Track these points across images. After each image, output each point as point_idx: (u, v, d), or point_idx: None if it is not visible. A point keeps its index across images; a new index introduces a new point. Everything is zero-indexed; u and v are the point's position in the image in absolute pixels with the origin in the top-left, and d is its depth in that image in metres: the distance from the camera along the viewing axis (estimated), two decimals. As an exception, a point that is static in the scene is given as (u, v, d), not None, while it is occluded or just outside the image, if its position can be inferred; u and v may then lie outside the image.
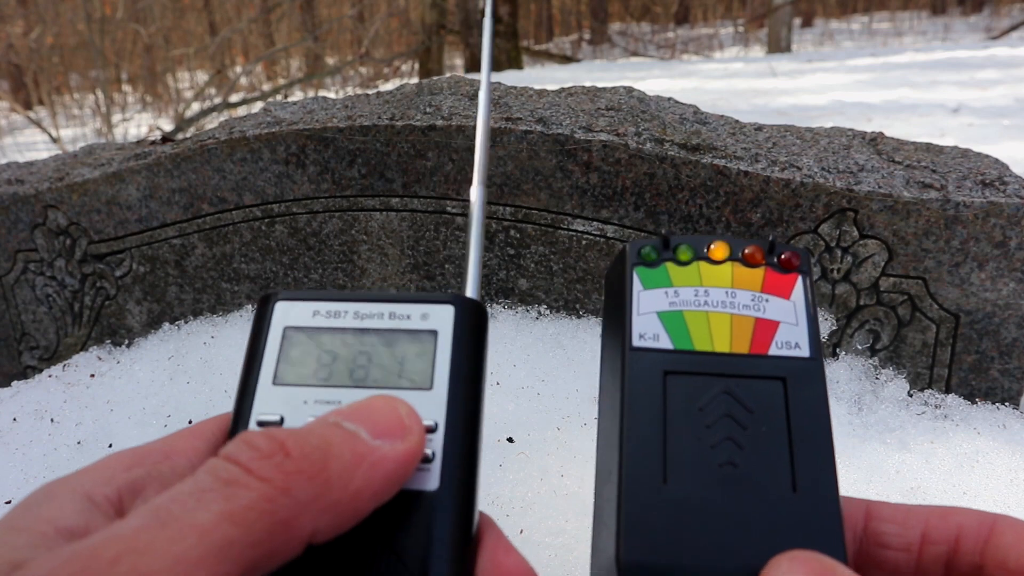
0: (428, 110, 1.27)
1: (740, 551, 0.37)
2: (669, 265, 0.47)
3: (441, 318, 0.40)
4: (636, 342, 0.43)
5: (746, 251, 0.47)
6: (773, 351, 0.44)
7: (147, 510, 0.27)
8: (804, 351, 0.44)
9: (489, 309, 1.31)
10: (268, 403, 0.37)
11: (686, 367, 0.43)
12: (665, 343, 0.44)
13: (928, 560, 0.35)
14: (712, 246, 0.47)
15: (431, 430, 0.36)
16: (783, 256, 0.47)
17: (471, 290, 0.45)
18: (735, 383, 0.42)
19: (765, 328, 0.45)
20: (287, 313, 0.40)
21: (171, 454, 0.35)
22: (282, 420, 0.37)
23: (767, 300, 0.46)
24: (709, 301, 0.46)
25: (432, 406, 0.37)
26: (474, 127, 0.47)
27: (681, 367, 0.43)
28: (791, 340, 0.44)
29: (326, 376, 0.38)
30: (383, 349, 0.39)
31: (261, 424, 0.37)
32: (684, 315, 0.45)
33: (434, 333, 0.39)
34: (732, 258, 0.47)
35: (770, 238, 0.46)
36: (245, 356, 0.40)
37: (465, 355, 0.39)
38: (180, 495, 0.27)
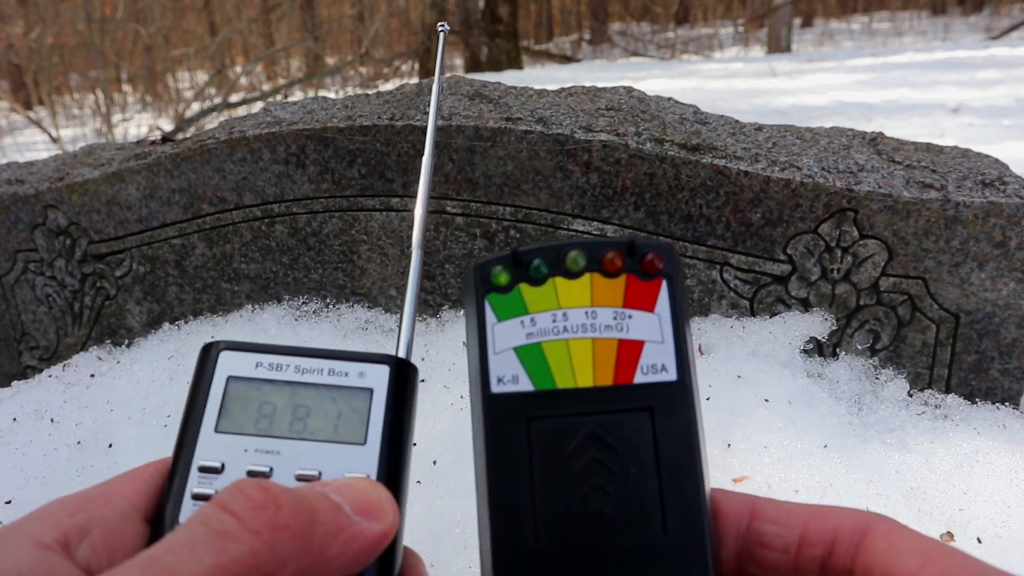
0: (428, 110, 1.27)
1: None
2: (523, 287, 0.43)
3: (377, 377, 0.41)
4: (495, 387, 0.41)
5: (605, 257, 0.43)
6: (639, 378, 0.42)
7: (142, 560, 0.28)
8: (671, 374, 0.42)
9: (489, 309, 1.31)
10: (210, 449, 0.39)
11: (549, 410, 0.41)
12: (525, 384, 0.41)
13: (804, 561, 0.35)
14: (567, 256, 0.43)
15: None
16: (645, 258, 0.43)
17: (403, 350, 0.46)
18: (600, 421, 0.41)
19: (629, 351, 0.42)
20: (230, 363, 0.41)
21: (112, 497, 0.37)
22: (223, 467, 0.38)
23: (630, 316, 0.43)
24: (568, 326, 0.43)
25: (364, 460, 0.39)
26: (421, 180, 0.51)
27: (544, 411, 0.41)
28: (657, 362, 0.42)
29: (266, 427, 0.40)
30: (321, 404, 0.40)
31: (203, 470, 0.38)
32: (543, 347, 0.43)
33: (369, 391, 0.41)
34: (589, 267, 0.43)
35: (631, 237, 0.44)
36: (187, 401, 0.41)
37: (397, 414, 0.41)
38: (174, 546, 0.29)
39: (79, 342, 1.53)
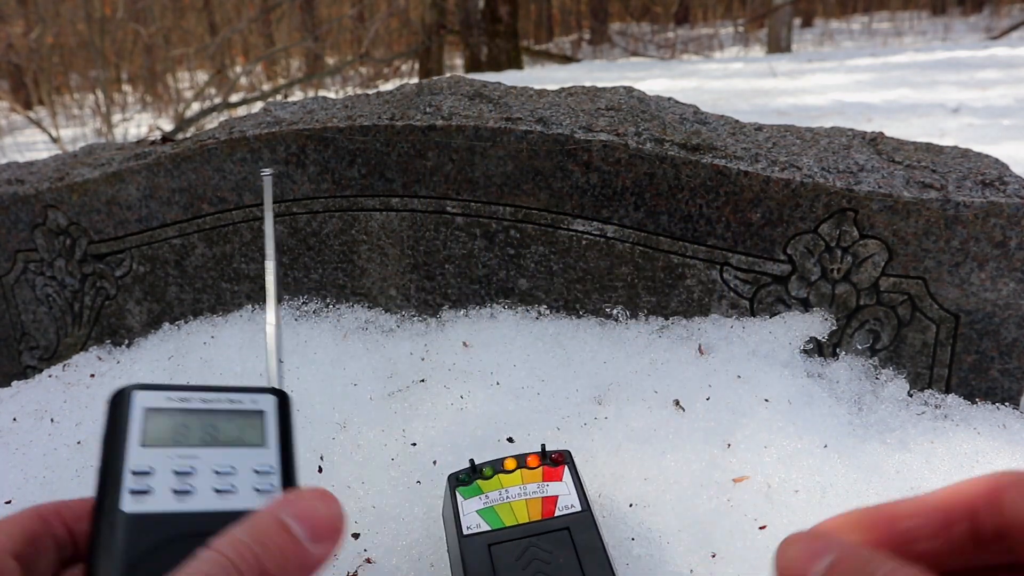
0: (428, 110, 1.27)
1: None
2: (479, 481, 0.78)
3: (266, 402, 0.52)
4: (465, 531, 0.72)
5: (528, 460, 0.79)
6: (558, 512, 0.72)
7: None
8: (578, 507, 0.72)
9: (489, 309, 1.31)
10: (140, 459, 0.46)
11: (503, 538, 0.69)
12: (485, 527, 0.71)
13: (957, 541, 0.36)
14: (505, 463, 0.79)
15: (270, 472, 0.49)
16: (553, 456, 0.79)
17: (276, 382, 0.58)
18: (537, 538, 0.68)
19: (550, 501, 0.73)
20: (145, 399, 0.49)
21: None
22: (151, 470, 0.45)
23: (548, 485, 0.75)
24: (509, 495, 0.75)
25: (269, 456, 0.49)
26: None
27: (499, 539, 0.70)
28: (568, 503, 0.73)
29: (183, 439, 0.48)
30: (227, 423, 0.50)
31: (135, 473, 0.45)
32: (495, 507, 0.73)
33: (262, 412, 0.52)
34: (520, 467, 0.78)
35: (542, 446, 0.80)
36: (107, 432, 0.47)
37: (284, 424, 0.52)
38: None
39: (79, 342, 1.53)
